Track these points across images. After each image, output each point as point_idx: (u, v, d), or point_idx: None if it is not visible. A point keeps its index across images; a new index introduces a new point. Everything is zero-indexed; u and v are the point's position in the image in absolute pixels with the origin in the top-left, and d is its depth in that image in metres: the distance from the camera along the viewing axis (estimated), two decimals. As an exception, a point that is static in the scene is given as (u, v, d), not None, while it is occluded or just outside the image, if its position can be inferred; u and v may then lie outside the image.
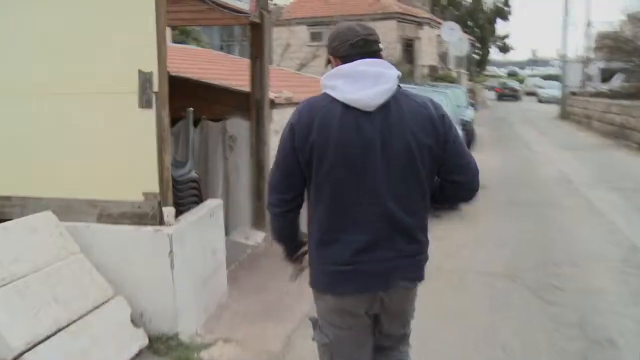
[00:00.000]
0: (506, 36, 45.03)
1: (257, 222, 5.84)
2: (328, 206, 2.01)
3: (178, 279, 3.41)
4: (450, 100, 8.41)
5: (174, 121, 5.45)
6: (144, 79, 3.41)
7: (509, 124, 21.32)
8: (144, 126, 3.46)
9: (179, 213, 3.70)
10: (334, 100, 1.96)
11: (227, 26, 24.51)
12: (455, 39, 23.40)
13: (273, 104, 5.79)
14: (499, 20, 41.15)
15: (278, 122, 6.02)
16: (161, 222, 3.51)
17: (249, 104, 5.63)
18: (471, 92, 23.95)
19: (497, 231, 6.44)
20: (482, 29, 38.66)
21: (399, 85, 2.01)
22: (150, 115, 3.44)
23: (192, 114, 4.50)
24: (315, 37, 23.59)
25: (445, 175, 2.11)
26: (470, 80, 31.61)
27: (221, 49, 24.53)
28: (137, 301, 3.39)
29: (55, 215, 3.40)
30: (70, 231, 3.40)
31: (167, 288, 3.39)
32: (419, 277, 2.14)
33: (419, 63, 24.80)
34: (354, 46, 2.01)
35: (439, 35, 25.84)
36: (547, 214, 7.35)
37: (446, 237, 5.92)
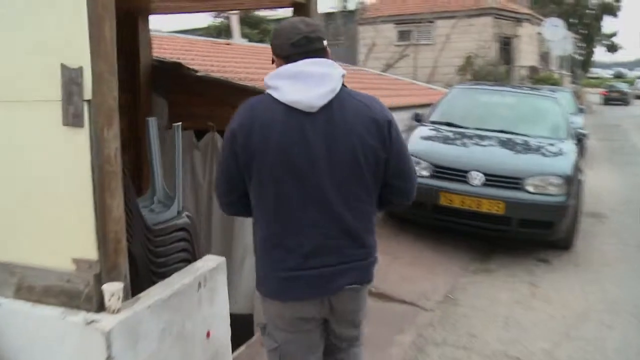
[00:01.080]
0: (614, 34, 41.12)
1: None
2: (272, 211, 1.96)
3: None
4: (562, 107, 6.59)
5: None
6: (69, 80, 2.10)
7: (621, 132, 18.55)
8: (71, 155, 2.16)
9: (153, 280, 2.39)
10: (276, 101, 1.90)
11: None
12: (558, 37, 21.05)
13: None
14: (605, 17, 37.35)
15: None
16: (101, 306, 2.21)
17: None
18: (576, 96, 21.37)
19: (633, 290, 4.65)
20: (587, 26, 35.23)
21: (344, 85, 1.96)
22: (80, 137, 2.13)
23: (180, 129, 3.15)
24: (403, 36, 22.20)
25: (386, 178, 2.03)
26: (573, 82, 28.67)
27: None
28: None
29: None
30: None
31: None
32: (367, 279, 2.08)
33: (518, 63, 22.49)
34: (295, 45, 1.92)
35: (539, 33, 23.39)
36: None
37: (557, 299, 4.28)
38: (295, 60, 1.91)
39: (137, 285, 2.75)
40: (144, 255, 2.73)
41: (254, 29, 21.83)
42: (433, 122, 6.46)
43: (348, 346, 2.27)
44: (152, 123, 3.05)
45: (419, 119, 6.62)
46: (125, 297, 2.35)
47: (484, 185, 5.15)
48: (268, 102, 1.93)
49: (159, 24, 31.24)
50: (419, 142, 5.93)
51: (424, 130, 6.25)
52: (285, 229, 1.96)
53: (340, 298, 2.03)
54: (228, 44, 9.18)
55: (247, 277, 4.63)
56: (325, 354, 2.24)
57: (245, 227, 4.51)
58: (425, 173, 5.46)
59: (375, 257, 2.09)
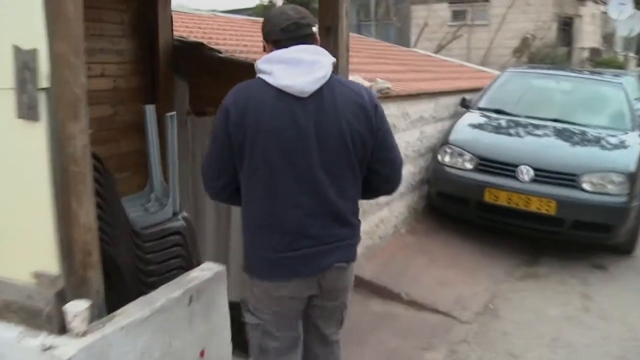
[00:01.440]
0: (687, 12, 38.29)
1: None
2: (262, 192, 2.00)
3: None
4: (627, 93, 5.89)
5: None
6: (22, 64, 1.77)
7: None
8: (26, 153, 1.85)
9: (143, 291, 2.07)
10: (268, 85, 1.94)
11: (364, 5, 23.26)
12: (625, 15, 19.63)
13: (353, 100, 3.95)
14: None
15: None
16: (64, 328, 1.91)
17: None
18: (643, 80, 19.95)
19: None
20: (658, 4, 32.93)
21: (333, 72, 2.00)
22: (36, 132, 1.81)
23: (174, 119, 2.78)
24: (457, 15, 21.25)
25: (371, 164, 2.09)
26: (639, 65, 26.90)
27: (358, 29, 23.19)
28: None
29: None
30: None
31: None
32: (352, 258, 2.14)
33: (579, 45, 21.19)
34: (284, 31, 1.97)
35: (604, 12, 21.94)
36: None
37: (614, 315, 3.80)
38: (285, 46, 1.96)
39: (124, 297, 2.44)
40: (131, 263, 2.41)
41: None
42: (481, 109, 5.91)
43: (328, 331, 2.29)
44: (150, 110, 2.71)
45: (466, 105, 6.09)
46: (99, 316, 2.05)
47: (534, 181, 4.62)
48: (260, 86, 1.96)
49: (210, 3, 31.19)
50: (463, 130, 5.41)
51: (470, 118, 5.72)
52: (273, 211, 1.99)
53: (328, 276, 2.07)
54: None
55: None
56: (306, 348, 2.30)
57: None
58: (468, 166, 4.96)
59: (359, 237, 2.18)
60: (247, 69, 4.22)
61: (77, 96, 1.88)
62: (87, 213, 1.96)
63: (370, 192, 2.20)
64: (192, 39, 4.66)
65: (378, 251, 4.60)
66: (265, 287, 2.08)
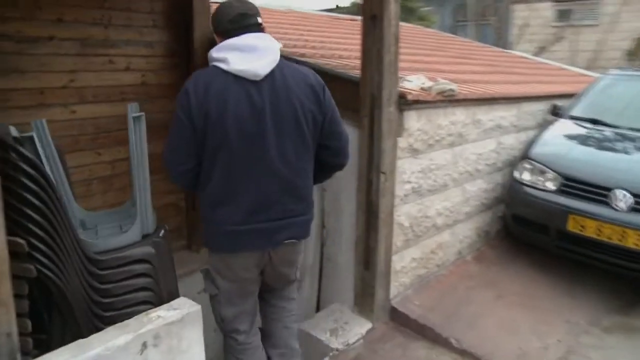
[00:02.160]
0: None
1: (361, 302, 3.49)
2: (222, 170, 2.11)
3: None
4: None
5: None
6: None
7: None
8: None
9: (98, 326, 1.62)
10: (224, 72, 2.07)
11: (461, 5, 22.25)
12: None
13: (405, 102, 3.33)
14: None
15: (417, 133, 3.55)
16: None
17: (358, 100, 3.29)
18: None
19: None
20: None
21: (282, 57, 2.16)
22: None
23: (136, 109, 2.30)
24: (562, 15, 19.62)
25: (321, 140, 2.27)
26: None
27: (453, 30, 22.20)
28: None
29: None
30: None
31: None
32: (305, 234, 2.34)
33: None
34: (231, 22, 2.12)
35: None
36: None
37: None
38: (234, 35, 2.12)
39: (75, 333, 2.00)
40: (82, 295, 1.96)
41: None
42: (573, 118, 5.01)
43: (282, 289, 2.52)
44: (133, 109, 2.25)
45: (557, 113, 5.21)
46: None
47: (633, 210, 3.72)
48: (217, 72, 2.09)
49: (312, 3, 30.99)
50: (548, 143, 4.57)
51: (559, 128, 4.85)
52: (234, 187, 2.13)
53: (279, 251, 2.26)
54: (353, 20, 8.25)
55: (306, 296, 3.78)
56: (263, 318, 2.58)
57: (306, 246, 3.65)
58: (550, 186, 4.14)
59: (312, 214, 2.36)
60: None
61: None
62: (-10, 240, 1.51)
63: (324, 171, 2.42)
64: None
65: (433, 282, 3.92)
66: (224, 259, 2.25)
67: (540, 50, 16.76)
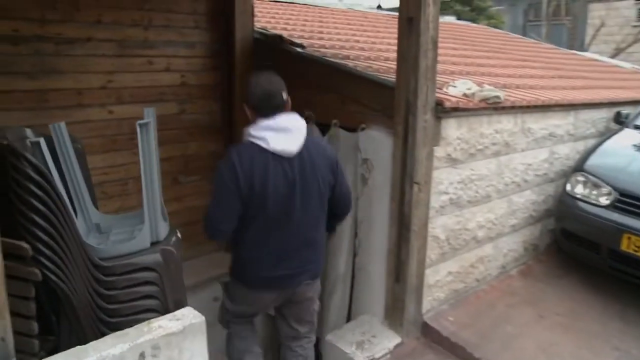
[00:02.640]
0: None
1: (391, 315, 3.38)
2: (258, 228, 2.52)
3: None
4: None
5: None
6: None
7: None
8: None
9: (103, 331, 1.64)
10: (262, 149, 2.42)
11: (535, 4, 21.44)
12: None
13: (443, 109, 3.18)
14: None
15: (456, 142, 3.40)
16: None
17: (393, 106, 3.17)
18: None
19: None
20: None
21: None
22: None
23: (152, 113, 2.25)
24: (645, 15, 18.53)
25: (332, 198, 2.69)
26: None
27: (524, 30, 21.43)
28: None
29: None
30: None
31: None
32: (318, 274, 2.80)
33: None
34: (260, 100, 2.46)
35: None
36: None
37: None
38: (264, 114, 2.47)
39: (81, 338, 2.01)
40: (88, 299, 1.97)
41: (465, 5, 20.00)
42: (639, 127, 4.68)
43: (300, 333, 2.92)
44: (150, 113, 2.24)
45: (621, 121, 4.88)
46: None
47: (696, 231, 3.42)
48: (257, 150, 2.44)
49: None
50: (606, 154, 4.26)
51: (620, 138, 4.52)
52: (266, 241, 2.54)
53: (298, 290, 2.71)
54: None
55: (337, 306, 3.70)
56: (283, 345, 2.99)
57: (338, 254, 3.59)
58: (604, 201, 3.86)
59: (323, 258, 2.87)
60: (326, 68, 3.67)
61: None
62: (-17, 245, 1.53)
63: (333, 219, 2.82)
64: (273, 31, 4.18)
65: (471, 297, 3.75)
66: (248, 292, 2.70)
67: (617, 52, 15.90)
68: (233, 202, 2.40)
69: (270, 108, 2.44)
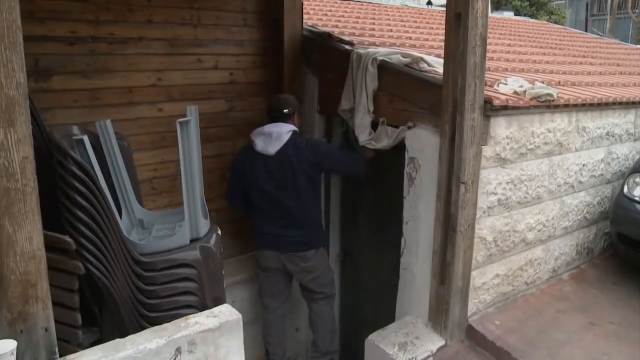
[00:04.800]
0: None
1: (435, 317, 3.33)
2: (256, 205, 3.63)
3: None
4: None
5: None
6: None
7: None
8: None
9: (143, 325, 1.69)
10: (253, 149, 3.50)
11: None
12: None
13: (492, 108, 3.10)
14: None
15: (505, 141, 3.31)
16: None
17: (440, 104, 3.12)
18: None
19: None
20: None
21: (294, 132, 3.50)
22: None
23: (195, 111, 2.27)
24: None
25: (327, 172, 3.99)
26: None
27: (587, 25, 20.64)
28: None
29: None
30: None
31: None
32: (302, 248, 3.61)
33: None
34: (268, 112, 3.56)
35: None
36: None
37: None
38: (267, 120, 3.53)
39: (122, 331, 2.07)
40: (129, 294, 2.03)
41: (524, 0, 19.37)
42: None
43: (314, 299, 3.87)
44: (192, 111, 2.28)
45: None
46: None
47: None
48: (249, 149, 3.54)
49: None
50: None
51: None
52: (263, 216, 3.62)
53: (288, 260, 3.63)
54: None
55: (421, 283, 3.58)
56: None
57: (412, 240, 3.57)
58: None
59: (309, 236, 3.67)
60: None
61: (12, 99, 1.50)
62: (28, 238, 1.60)
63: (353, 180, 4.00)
64: (322, 28, 4.18)
65: (520, 301, 3.64)
66: (257, 252, 3.75)
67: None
68: (234, 185, 3.63)
69: (269, 118, 3.48)
